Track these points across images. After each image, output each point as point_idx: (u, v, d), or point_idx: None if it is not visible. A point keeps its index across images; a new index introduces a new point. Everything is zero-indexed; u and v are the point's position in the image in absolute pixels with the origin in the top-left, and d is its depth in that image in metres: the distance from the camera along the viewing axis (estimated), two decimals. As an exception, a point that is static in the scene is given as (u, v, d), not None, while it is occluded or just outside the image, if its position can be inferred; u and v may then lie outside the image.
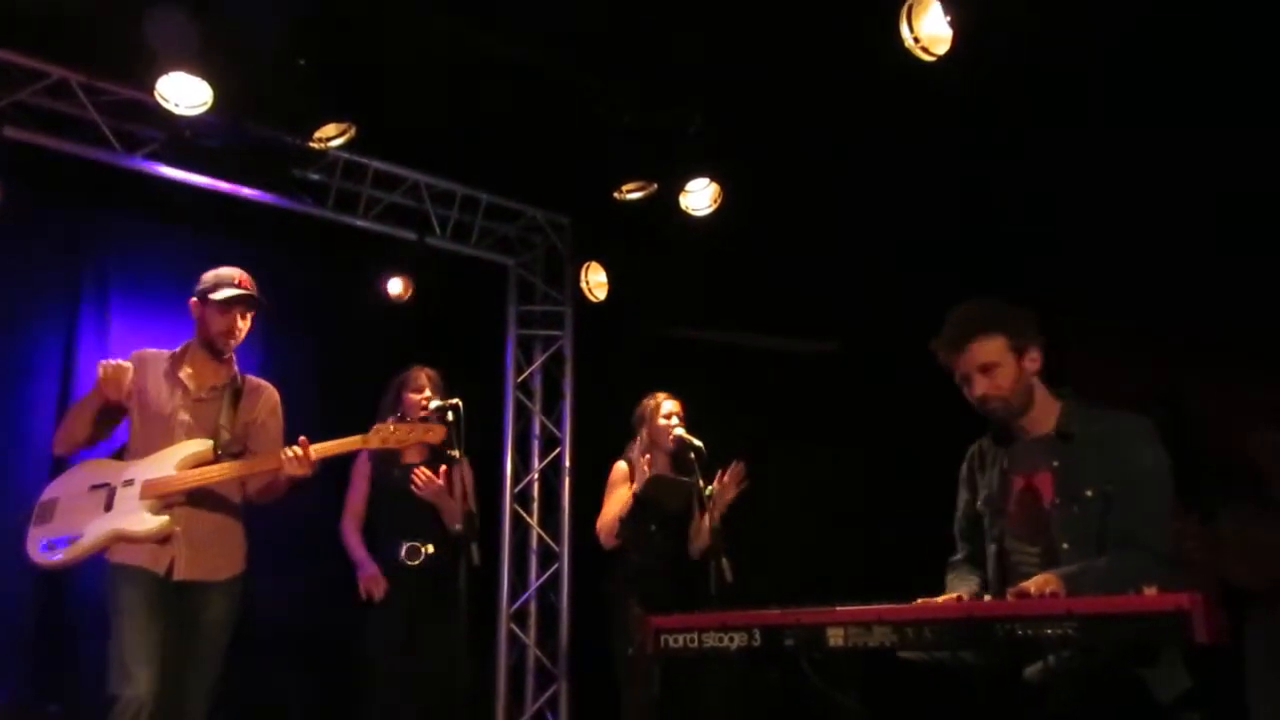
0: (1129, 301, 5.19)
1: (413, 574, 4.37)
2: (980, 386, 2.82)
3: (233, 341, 3.74)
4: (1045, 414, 2.87)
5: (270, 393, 3.90)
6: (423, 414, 4.27)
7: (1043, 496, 2.81)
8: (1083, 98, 4.55)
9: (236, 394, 3.77)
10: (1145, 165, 4.67)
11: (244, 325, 3.75)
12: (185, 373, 3.74)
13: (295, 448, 3.57)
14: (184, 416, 3.68)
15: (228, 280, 3.72)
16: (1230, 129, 4.35)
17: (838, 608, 2.43)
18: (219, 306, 3.68)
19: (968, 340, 2.82)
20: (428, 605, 4.33)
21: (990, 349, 2.81)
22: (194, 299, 3.75)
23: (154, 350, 3.83)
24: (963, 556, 3.07)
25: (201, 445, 3.63)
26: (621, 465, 4.71)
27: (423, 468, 4.37)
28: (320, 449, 3.60)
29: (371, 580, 4.38)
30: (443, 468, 4.29)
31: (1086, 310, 5.19)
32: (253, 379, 3.90)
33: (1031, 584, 2.53)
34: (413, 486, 4.35)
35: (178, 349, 3.80)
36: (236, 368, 3.83)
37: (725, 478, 4.30)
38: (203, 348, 3.77)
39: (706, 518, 4.30)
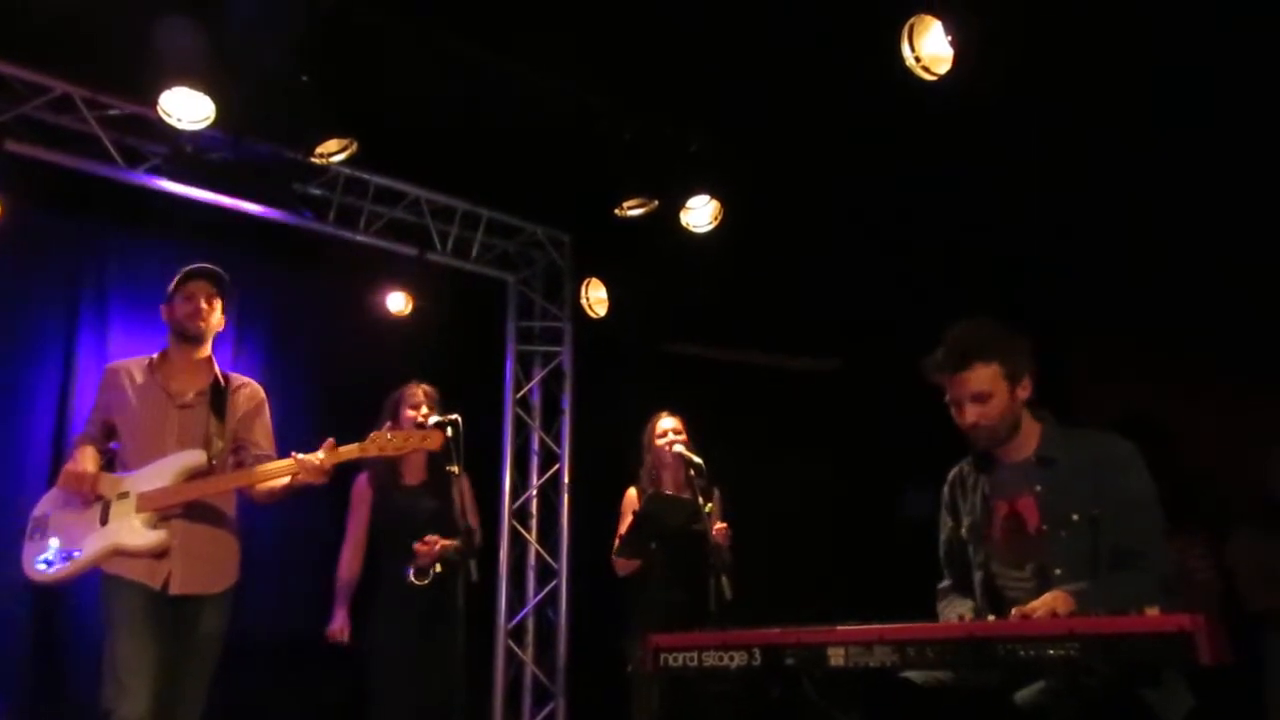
0: (1129, 322, 5.20)
1: (421, 594, 4.35)
2: (971, 415, 2.80)
3: (201, 324, 3.72)
4: (1026, 438, 2.86)
5: (253, 388, 3.89)
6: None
7: (1027, 522, 2.80)
8: (1083, 115, 4.56)
9: (220, 396, 3.74)
10: (1147, 183, 4.69)
11: (209, 308, 3.74)
12: (167, 379, 3.72)
13: (314, 455, 3.57)
14: (173, 425, 3.66)
15: (188, 269, 3.78)
16: (1230, 139, 4.37)
17: (838, 627, 2.42)
18: (180, 291, 3.74)
19: (963, 366, 2.79)
20: (431, 623, 4.31)
21: (984, 377, 2.77)
22: (164, 305, 3.80)
23: (126, 360, 3.82)
24: (950, 584, 3.05)
25: (196, 457, 3.61)
26: (631, 492, 4.71)
27: (429, 540, 4.32)
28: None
29: (338, 633, 4.38)
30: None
31: (1086, 331, 5.20)
32: (235, 376, 3.88)
33: (1041, 602, 2.52)
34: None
35: (155, 355, 3.79)
36: (217, 367, 3.81)
37: (715, 532, 4.27)
38: (178, 345, 3.75)
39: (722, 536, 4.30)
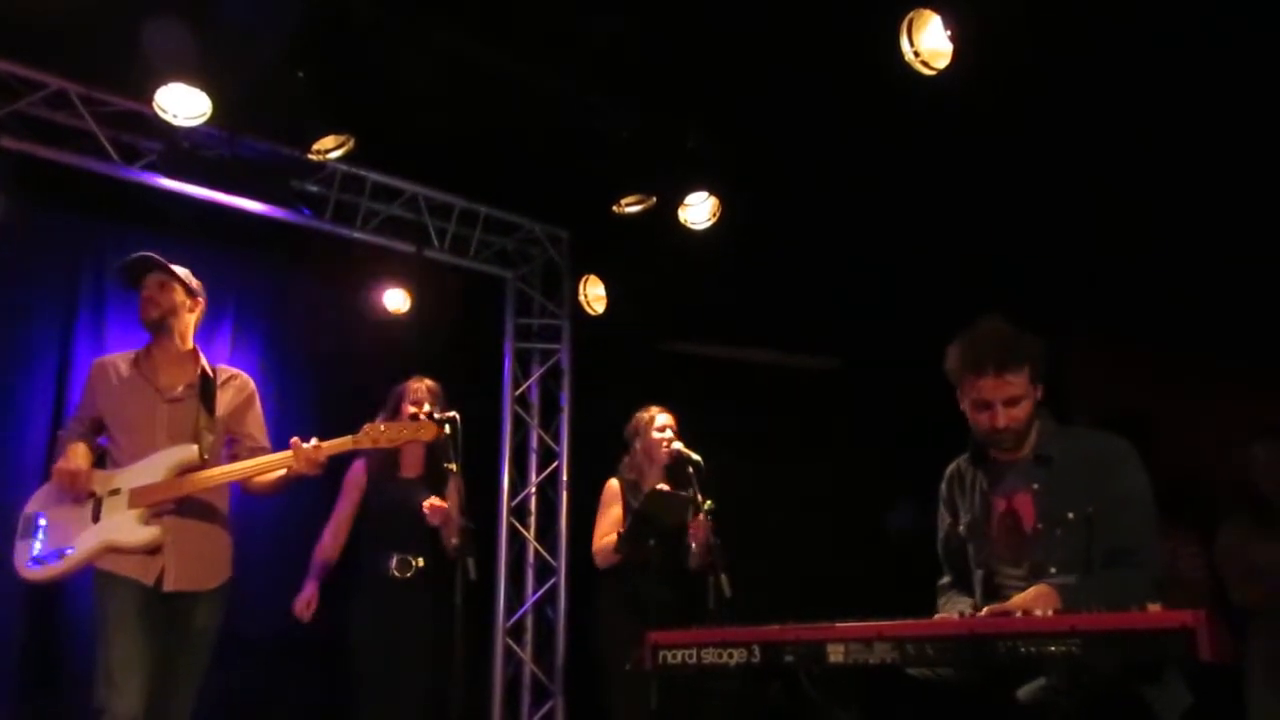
0: (1124, 320, 5.19)
1: (401, 587, 4.33)
2: (1002, 418, 2.79)
3: (154, 312, 3.69)
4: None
5: (242, 379, 3.87)
6: None
7: (1023, 520, 2.81)
8: (1082, 111, 4.55)
9: (209, 388, 3.72)
10: (1147, 179, 4.68)
11: (161, 293, 3.69)
12: (153, 373, 3.70)
13: (310, 443, 3.57)
14: (163, 420, 3.64)
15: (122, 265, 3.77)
16: (1231, 136, 4.36)
17: (838, 624, 2.41)
18: (137, 291, 3.72)
19: (1000, 370, 2.78)
20: (416, 619, 4.29)
21: (1019, 382, 2.79)
22: None
23: (112, 355, 3.82)
24: (950, 580, 3.06)
25: (188, 452, 3.58)
26: (613, 483, 4.67)
27: (434, 500, 4.30)
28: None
29: (304, 604, 4.33)
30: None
31: (1081, 328, 5.19)
32: (223, 368, 3.87)
33: (1023, 597, 2.51)
34: (425, 510, 4.29)
35: (140, 349, 3.78)
36: (204, 360, 3.80)
37: (693, 529, 4.27)
38: (156, 340, 3.74)
39: (702, 532, 4.28)
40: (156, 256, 3.74)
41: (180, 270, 3.77)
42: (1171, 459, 4.67)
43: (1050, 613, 2.29)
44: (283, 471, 3.64)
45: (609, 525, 4.54)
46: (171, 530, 3.54)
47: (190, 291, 3.78)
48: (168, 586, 3.50)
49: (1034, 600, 2.49)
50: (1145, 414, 4.85)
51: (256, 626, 4.57)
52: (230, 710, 4.16)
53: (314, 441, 3.59)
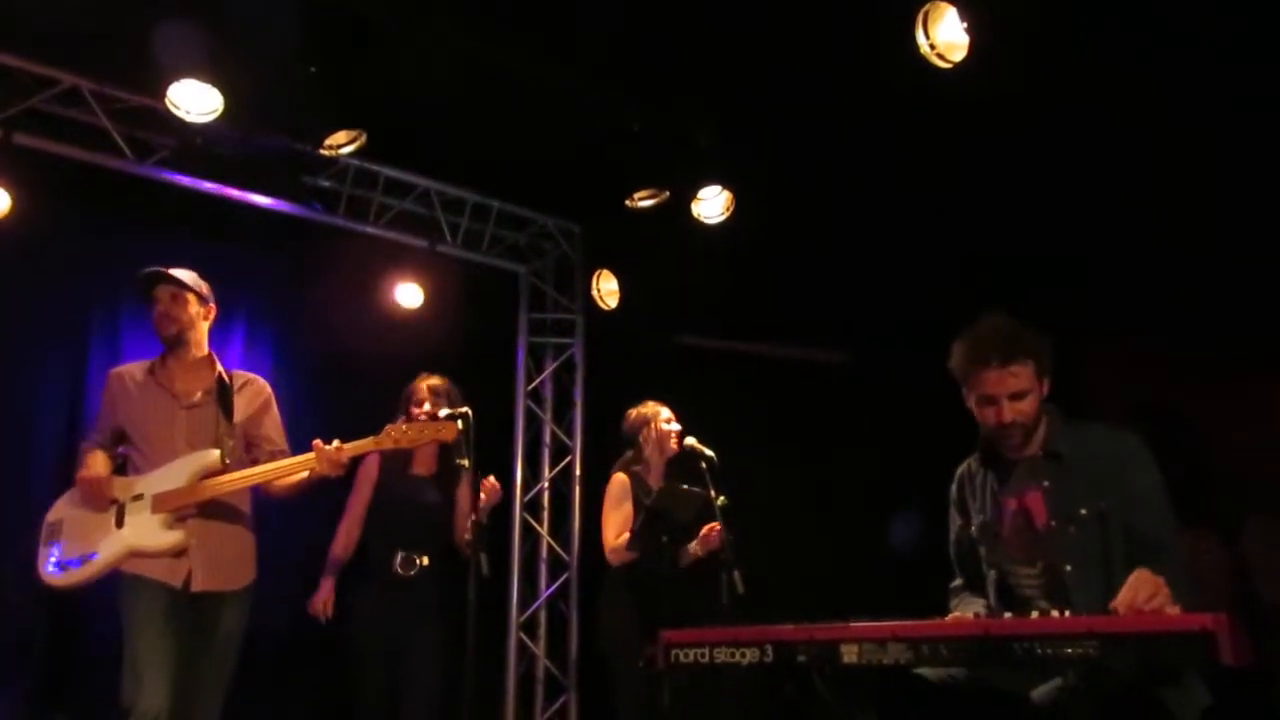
0: (1141, 313, 5.14)
1: (405, 584, 4.32)
2: (1009, 413, 2.77)
3: (172, 326, 3.72)
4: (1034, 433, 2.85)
5: (259, 384, 3.90)
6: None
7: (1035, 517, 2.79)
8: (1098, 105, 4.51)
9: (227, 394, 3.75)
10: (1164, 172, 4.63)
11: (176, 306, 3.72)
12: (170, 381, 3.73)
13: (332, 445, 3.58)
14: (182, 426, 3.66)
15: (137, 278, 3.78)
16: (1249, 127, 4.31)
17: (852, 624, 2.39)
18: (148, 301, 3.74)
19: (1005, 363, 2.75)
20: (419, 615, 4.28)
21: (1025, 376, 2.76)
22: None
23: (128, 365, 3.85)
24: (962, 583, 3.03)
25: (210, 456, 3.61)
26: (621, 478, 4.64)
27: (491, 479, 4.20)
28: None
29: (322, 604, 4.31)
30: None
31: (1098, 323, 5.15)
32: (239, 373, 3.89)
33: (1138, 587, 2.34)
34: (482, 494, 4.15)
35: (155, 358, 3.80)
36: (220, 365, 3.82)
37: (706, 534, 4.28)
38: (170, 349, 3.76)
39: (710, 527, 4.27)
40: (167, 270, 3.74)
41: (189, 279, 3.77)
42: (1186, 456, 4.63)
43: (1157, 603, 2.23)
44: (304, 474, 3.64)
45: (621, 522, 4.52)
46: (196, 533, 3.56)
47: (202, 299, 3.81)
48: (196, 587, 3.53)
49: (1148, 587, 2.32)
50: (1161, 410, 4.81)
51: (267, 621, 4.56)
52: (239, 705, 4.16)
53: (336, 443, 3.60)
